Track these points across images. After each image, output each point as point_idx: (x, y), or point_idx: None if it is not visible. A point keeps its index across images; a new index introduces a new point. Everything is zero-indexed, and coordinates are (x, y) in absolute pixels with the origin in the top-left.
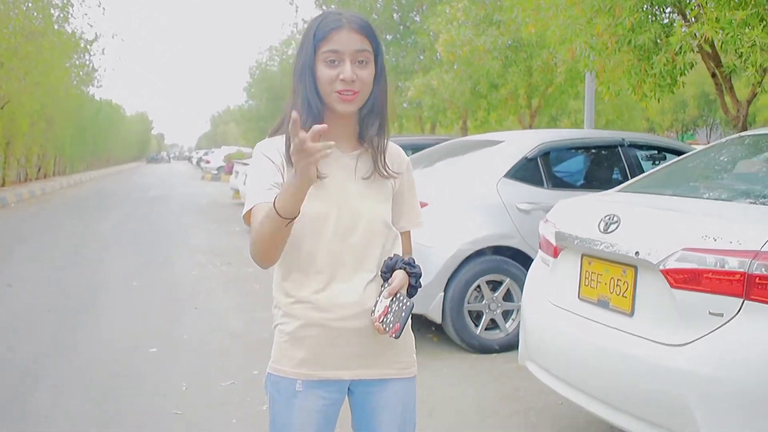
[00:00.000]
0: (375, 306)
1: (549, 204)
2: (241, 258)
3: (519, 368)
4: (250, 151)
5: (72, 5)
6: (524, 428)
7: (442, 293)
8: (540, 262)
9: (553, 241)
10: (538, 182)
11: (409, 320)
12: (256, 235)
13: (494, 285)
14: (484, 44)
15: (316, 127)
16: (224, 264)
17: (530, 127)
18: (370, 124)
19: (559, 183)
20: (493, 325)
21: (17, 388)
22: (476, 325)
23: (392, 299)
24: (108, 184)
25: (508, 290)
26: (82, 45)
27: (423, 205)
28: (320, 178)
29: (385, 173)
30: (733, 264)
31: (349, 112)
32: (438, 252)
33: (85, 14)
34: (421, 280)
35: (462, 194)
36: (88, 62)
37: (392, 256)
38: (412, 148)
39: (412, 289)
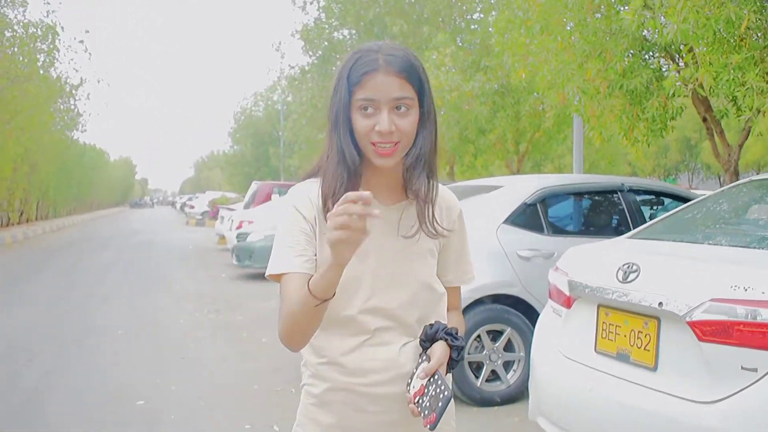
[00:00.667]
0: (411, 380)
1: (549, 251)
2: (228, 305)
3: (522, 421)
4: (234, 196)
5: (58, 50)
6: None
7: None
8: (550, 312)
9: (566, 291)
10: (538, 228)
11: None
12: (289, 319)
13: (495, 335)
14: (472, 89)
15: (363, 194)
16: (212, 312)
17: (518, 172)
18: (416, 176)
19: (559, 229)
20: (494, 376)
21: None
22: (477, 377)
23: (429, 379)
24: (92, 230)
25: (509, 340)
26: (67, 90)
27: None
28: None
29: (433, 231)
30: (766, 316)
31: (389, 166)
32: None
33: (71, 59)
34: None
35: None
36: (73, 107)
37: (433, 323)
38: None
39: (453, 362)
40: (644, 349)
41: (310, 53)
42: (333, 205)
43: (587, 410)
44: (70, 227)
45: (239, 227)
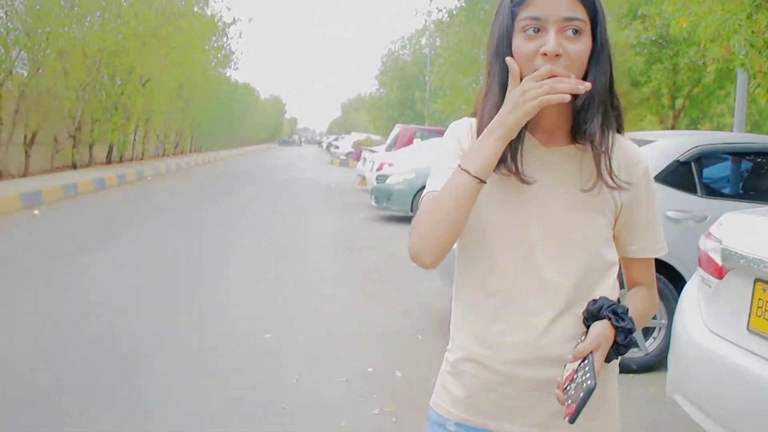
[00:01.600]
0: (565, 366)
1: (702, 214)
2: (363, 246)
3: (659, 393)
4: (378, 138)
5: None
6: None
7: None
8: (699, 281)
9: (718, 260)
10: (690, 189)
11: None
12: (428, 210)
13: None
14: (627, 39)
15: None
16: (346, 251)
17: (673, 129)
18: (589, 118)
19: (715, 191)
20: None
21: (124, 366)
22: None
23: (580, 364)
24: (240, 164)
25: None
26: (220, 27)
27: None
28: (527, 182)
29: (611, 183)
30: None
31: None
32: None
33: None
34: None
35: None
36: (226, 45)
37: (597, 298)
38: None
39: (619, 348)
40: None
41: None
42: None
43: (734, 395)
44: (220, 161)
45: (379, 169)
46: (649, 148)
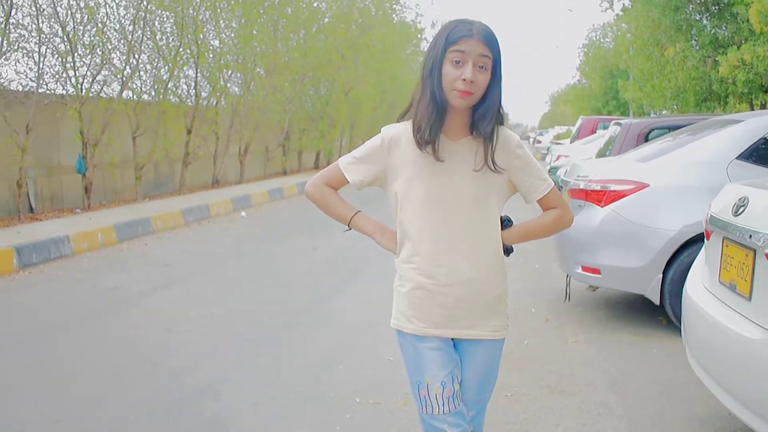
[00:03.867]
0: None
1: None
2: None
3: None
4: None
5: None
6: (699, 415)
7: (661, 275)
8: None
9: (707, 224)
10: None
11: (507, 289)
12: (320, 203)
13: None
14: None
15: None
16: None
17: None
18: (486, 122)
19: None
20: None
21: (280, 326)
22: None
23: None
24: None
25: None
26: (415, 34)
27: (642, 186)
28: (440, 161)
29: (492, 167)
30: None
31: (462, 107)
32: (656, 233)
33: (417, 5)
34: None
35: (687, 176)
36: (424, 49)
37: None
38: (669, 129)
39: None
40: (743, 279)
41: None
42: (421, 136)
43: (712, 343)
44: None
45: (557, 160)
46: (737, 127)
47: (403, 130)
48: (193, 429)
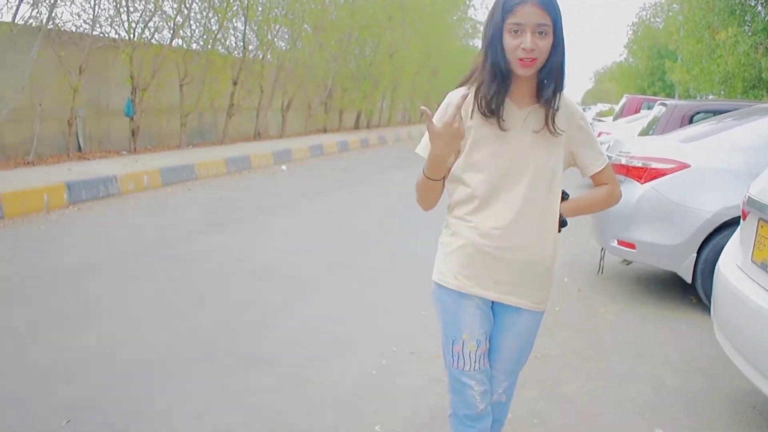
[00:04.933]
0: None
1: None
2: None
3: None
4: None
5: None
6: (723, 388)
7: (695, 255)
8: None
9: (744, 205)
10: None
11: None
12: (417, 189)
13: None
14: None
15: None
16: None
17: None
18: (547, 86)
19: None
20: None
21: (321, 273)
22: None
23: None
24: None
25: None
26: (465, 2)
27: (683, 166)
28: (503, 130)
29: (552, 130)
30: None
31: (527, 75)
32: (693, 213)
33: None
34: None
35: (729, 159)
36: (474, 16)
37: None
38: (714, 113)
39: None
40: None
41: None
42: (486, 106)
43: (738, 317)
44: None
45: (598, 137)
46: None
47: (468, 94)
48: (232, 365)
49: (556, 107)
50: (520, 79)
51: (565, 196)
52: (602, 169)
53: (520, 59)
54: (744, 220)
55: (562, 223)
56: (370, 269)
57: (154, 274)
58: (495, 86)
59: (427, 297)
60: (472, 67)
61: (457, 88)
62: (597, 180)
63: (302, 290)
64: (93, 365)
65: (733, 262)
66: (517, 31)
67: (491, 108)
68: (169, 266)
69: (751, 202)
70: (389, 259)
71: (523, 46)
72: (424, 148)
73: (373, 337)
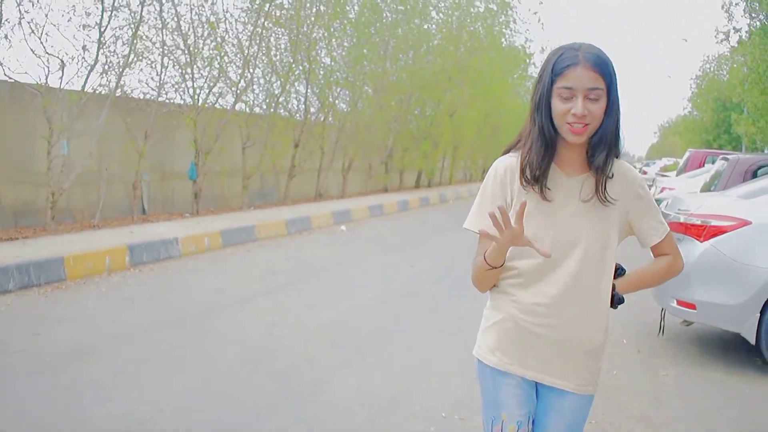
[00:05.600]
0: None
1: None
2: None
3: None
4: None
5: (515, 21)
6: None
7: (758, 314)
8: None
9: None
10: None
11: (604, 343)
12: (473, 272)
13: None
14: None
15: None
16: None
17: None
18: (599, 153)
19: None
20: None
21: (376, 334)
22: None
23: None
24: None
25: None
26: (523, 59)
27: (744, 223)
28: (547, 201)
29: (603, 199)
30: None
31: (578, 143)
32: (755, 271)
33: (527, 30)
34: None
35: None
36: (534, 74)
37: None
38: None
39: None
40: None
41: (752, 15)
42: (530, 173)
43: None
44: None
45: (661, 192)
46: None
47: (516, 162)
48: (286, 428)
49: (610, 175)
50: (569, 145)
51: (621, 272)
52: (663, 239)
53: (570, 125)
54: None
55: (618, 300)
56: (425, 332)
57: (210, 336)
58: (541, 153)
59: None
60: (520, 131)
61: (504, 153)
62: (657, 251)
63: (354, 352)
64: (146, 425)
65: None
66: (568, 96)
67: (535, 175)
68: (224, 328)
69: None
70: (447, 321)
71: (573, 112)
72: (473, 222)
73: (422, 403)
